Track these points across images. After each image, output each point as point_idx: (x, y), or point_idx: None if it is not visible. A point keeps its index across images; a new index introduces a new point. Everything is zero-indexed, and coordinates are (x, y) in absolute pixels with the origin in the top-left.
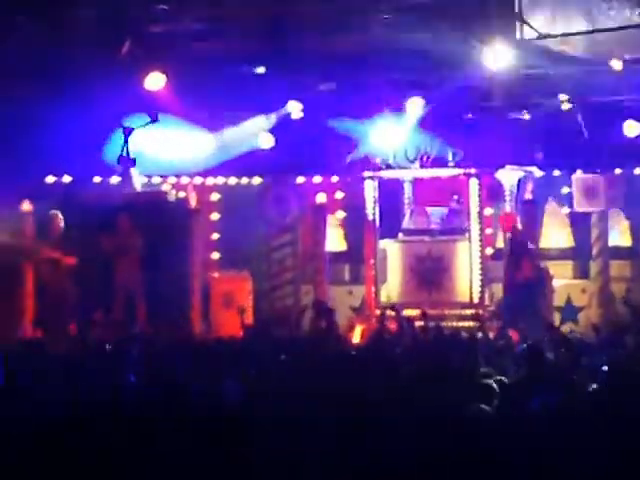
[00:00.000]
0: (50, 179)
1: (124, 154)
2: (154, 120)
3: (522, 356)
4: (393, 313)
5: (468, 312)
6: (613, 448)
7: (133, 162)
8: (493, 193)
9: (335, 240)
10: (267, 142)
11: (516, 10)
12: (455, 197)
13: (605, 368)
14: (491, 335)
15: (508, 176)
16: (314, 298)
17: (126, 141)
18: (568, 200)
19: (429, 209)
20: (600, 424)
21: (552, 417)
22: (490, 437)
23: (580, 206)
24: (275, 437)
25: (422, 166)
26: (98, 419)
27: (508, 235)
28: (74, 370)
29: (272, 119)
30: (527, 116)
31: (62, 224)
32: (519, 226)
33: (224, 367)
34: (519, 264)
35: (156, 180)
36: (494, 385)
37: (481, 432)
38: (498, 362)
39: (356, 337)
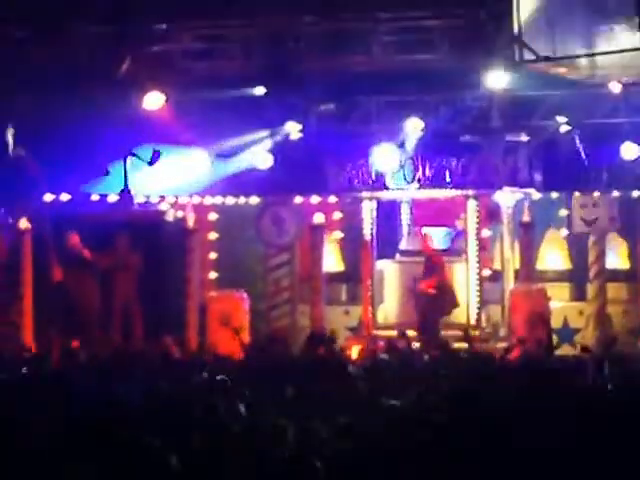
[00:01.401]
0: (48, 197)
1: (122, 174)
2: (154, 160)
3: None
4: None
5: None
6: None
7: (107, 173)
8: (491, 215)
9: (332, 260)
10: (265, 162)
11: (515, 33)
12: (462, 216)
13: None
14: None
15: (506, 198)
16: (312, 328)
17: (125, 162)
18: (566, 222)
19: (428, 230)
20: None
21: None
22: None
23: (579, 228)
24: None
25: (420, 187)
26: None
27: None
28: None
29: (271, 139)
30: (525, 138)
31: (78, 241)
32: (432, 245)
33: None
34: (425, 279)
35: (154, 199)
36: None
37: None
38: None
39: (354, 355)
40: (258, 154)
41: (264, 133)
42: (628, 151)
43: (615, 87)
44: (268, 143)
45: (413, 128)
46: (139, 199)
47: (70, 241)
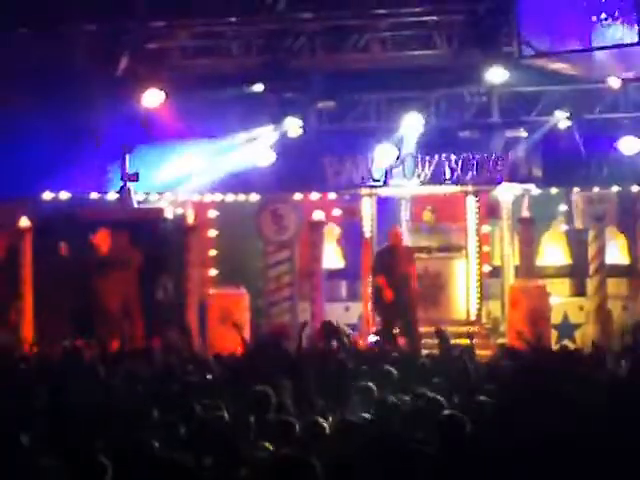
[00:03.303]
0: (47, 195)
1: (125, 171)
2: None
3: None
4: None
5: (465, 329)
6: None
7: (136, 177)
8: (490, 211)
9: (332, 257)
10: (266, 159)
11: (515, 29)
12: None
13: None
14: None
15: (505, 194)
16: (322, 320)
17: (124, 158)
18: (565, 217)
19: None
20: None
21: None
22: None
23: (580, 223)
24: None
25: (420, 184)
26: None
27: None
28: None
29: (270, 136)
30: (525, 134)
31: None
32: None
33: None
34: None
35: (154, 197)
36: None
37: None
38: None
39: None
40: (259, 151)
41: (264, 130)
42: (627, 146)
43: (614, 83)
44: (268, 140)
45: (413, 124)
46: (139, 197)
47: (97, 239)
